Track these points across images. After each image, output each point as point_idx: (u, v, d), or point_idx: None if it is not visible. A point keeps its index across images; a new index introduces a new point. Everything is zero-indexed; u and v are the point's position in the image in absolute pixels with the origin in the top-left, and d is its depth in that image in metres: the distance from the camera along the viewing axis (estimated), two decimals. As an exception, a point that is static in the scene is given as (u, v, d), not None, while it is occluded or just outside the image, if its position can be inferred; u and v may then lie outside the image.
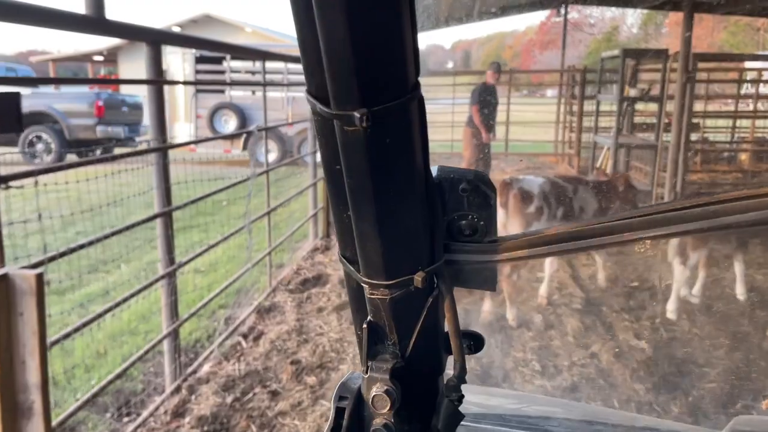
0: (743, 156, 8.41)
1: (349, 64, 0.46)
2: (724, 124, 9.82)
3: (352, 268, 0.62)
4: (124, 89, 15.01)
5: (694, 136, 7.04)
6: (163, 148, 2.95)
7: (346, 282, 0.66)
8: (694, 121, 6.74)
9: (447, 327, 0.64)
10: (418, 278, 0.58)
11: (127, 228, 2.82)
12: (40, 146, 12.51)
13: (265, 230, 6.39)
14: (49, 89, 14.64)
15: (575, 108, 11.38)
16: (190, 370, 3.40)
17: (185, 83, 13.01)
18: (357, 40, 0.45)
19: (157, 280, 3.02)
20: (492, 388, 3.02)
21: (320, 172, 6.16)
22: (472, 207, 0.62)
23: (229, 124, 12.76)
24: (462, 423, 0.69)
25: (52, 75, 19.14)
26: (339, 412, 0.66)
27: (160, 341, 3.12)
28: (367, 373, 0.62)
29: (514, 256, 0.61)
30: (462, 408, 0.66)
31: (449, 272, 0.62)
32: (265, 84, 5.13)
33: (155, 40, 2.94)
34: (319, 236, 6.17)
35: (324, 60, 0.47)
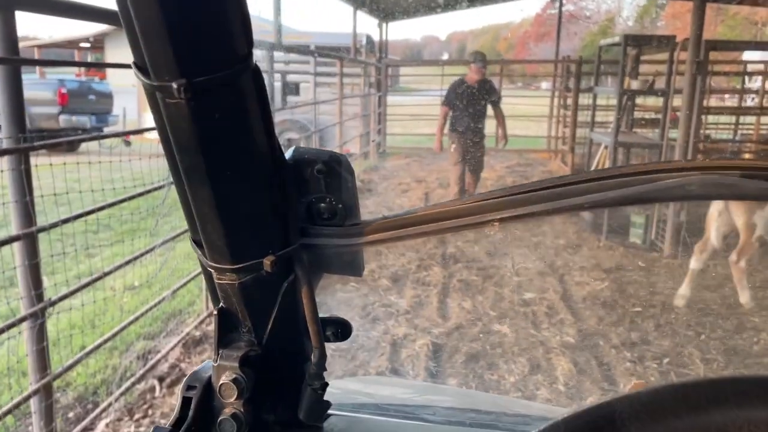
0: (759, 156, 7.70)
1: (161, 31, 0.44)
2: (738, 120, 9.15)
3: (199, 252, 0.59)
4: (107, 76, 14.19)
5: (704, 134, 6.35)
6: (21, 149, 2.20)
7: (201, 267, 0.62)
8: (705, 117, 6.03)
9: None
10: (267, 262, 0.56)
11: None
12: (-1, 136, 11.66)
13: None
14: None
15: (570, 101, 10.65)
16: (77, 430, 2.67)
17: None
18: (167, 5, 0.43)
19: (14, 325, 2.27)
20: (381, 377, 3.01)
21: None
22: (330, 189, 0.59)
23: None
24: (337, 413, 0.72)
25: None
26: (185, 401, 0.61)
27: (24, 401, 2.39)
28: (216, 361, 0.60)
29: (376, 239, 0.59)
30: (340, 398, 0.68)
31: (308, 256, 0.60)
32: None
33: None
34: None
35: (136, 26, 0.45)
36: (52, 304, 2.46)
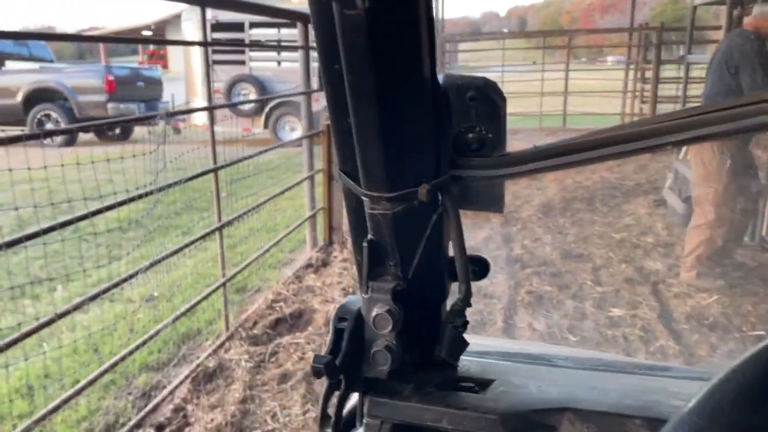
0: None
1: None
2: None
3: (352, 182, 0.59)
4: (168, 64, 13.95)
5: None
6: None
7: (345, 200, 0.64)
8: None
9: (452, 250, 0.61)
10: (422, 191, 0.55)
11: None
12: (49, 125, 11.51)
13: (252, 235, 5.09)
14: (59, 64, 13.69)
15: (649, 74, 9.51)
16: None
17: (239, 44, 11.70)
18: None
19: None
20: (490, 338, 2.80)
21: (317, 162, 4.74)
22: (481, 118, 0.58)
23: (248, 98, 11.43)
24: (468, 357, 0.71)
25: (101, 50, 18.57)
26: (338, 333, 0.63)
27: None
28: (367, 293, 0.61)
29: (524, 170, 0.57)
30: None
31: (455, 189, 0.60)
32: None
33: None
34: (318, 245, 4.77)
35: None
36: (44, 325, 1.87)
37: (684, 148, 5.05)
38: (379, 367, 0.62)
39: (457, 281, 0.63)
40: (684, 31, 6.55)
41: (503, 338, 3.17)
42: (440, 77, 0.57)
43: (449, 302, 0.65)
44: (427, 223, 0.59)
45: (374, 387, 0.66)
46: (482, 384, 0.70)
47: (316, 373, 0.61)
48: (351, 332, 0.63)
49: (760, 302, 3.71)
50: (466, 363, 0.73)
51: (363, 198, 0.58)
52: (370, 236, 0.60)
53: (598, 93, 11.92)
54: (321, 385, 2.87)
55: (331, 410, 0.65)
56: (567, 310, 3.69)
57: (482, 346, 0.88)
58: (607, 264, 4.46)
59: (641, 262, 4.49)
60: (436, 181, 0.57)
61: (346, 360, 0.62)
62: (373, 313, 0.60)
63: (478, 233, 5.25)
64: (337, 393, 0.64)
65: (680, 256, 4.30)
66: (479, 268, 0.66)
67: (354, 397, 0.70)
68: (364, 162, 0.56)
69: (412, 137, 0.55)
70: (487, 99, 0.57)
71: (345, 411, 0.67)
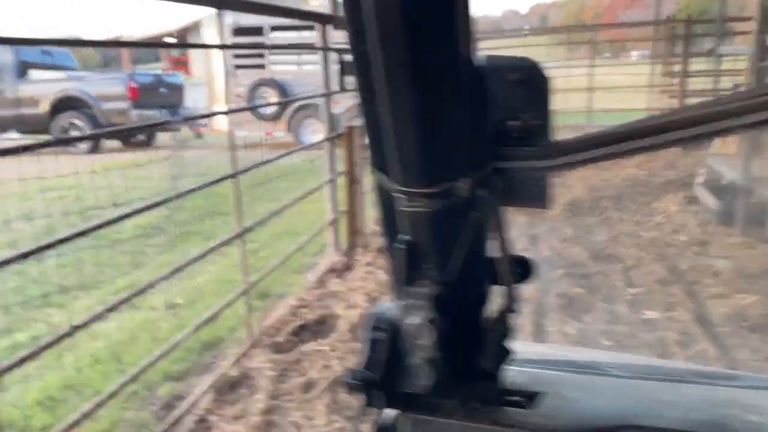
0: None
1: None
2: None
3: (386, 178, 0.55)
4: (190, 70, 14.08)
5: None
6: None
7: (377, 198, 0.59)
8: None
9: (492, 250, 0.57)
10: (463, 186, 0.51)
11: None
12: (74, 133, 11.65)
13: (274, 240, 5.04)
14: (83, 72, 13.84)
15: (677, 68, 9.28)
16: None
17: (258, 47, 11.78)
18: None
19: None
20: (533, 343, 2.59)
21: (339, 165, 4.66)
22: (525, 103, 0.52)
23: (269, 101, 11.44)
24: (512, 367, 0.64)
25: (125, 57, 18.84)
26: (375, 344, 0.58)
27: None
28: (404, 300, 0.56)
29: (575, 160, 0.52)
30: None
31: (497, 183, 0.54)
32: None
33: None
34: (341, 249, 4.70)
35: None
36: (63, 337, 1.82)
37: (717, 140, 4.87)
38: (421, 382, 0.57)
39: (499, 284, 0.58)
40: (711, 24, 6.35)
41: (547, 344, 3.02)
42: (479, 59, 0.52)
43: (489, 307, 0.61)
44: (466, 220, 0.54)
45: (415, 403, 0.61)
46: (529, 397, 0.65)
47: (353, 390, 0.57)
48: (387, 342, 0.58)
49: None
50: (510, 373, 0.67)
51: (397, 195, 0.54)
52: (405, 237, 0.56)
53: (623, 89, 11.68)
54: (347, 394, 2.79)
55: (365, 427, 0.61)
56: (600, 313, 3.56)
57: (525, 353, 0.80)
58: (638, 264, 4.31)
59: (674, 261, 4.34)
60: (478, 174, 0.52)
61: (384, 374, 0.57)
62: (413, 322, 0.55)
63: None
64: (371, 409, 0.60)
65: (715, 255, 4.13)
66: (521, 269, 0.60)
67: (389, 413, 0.64)
68: (399, 156, 0.51)
69: (451, 126, 0.50)
70: (532, 82, 0.52)
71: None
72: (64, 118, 11.66)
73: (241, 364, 3.05)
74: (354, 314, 3.49)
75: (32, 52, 12.14)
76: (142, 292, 2.61)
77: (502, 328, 0.59)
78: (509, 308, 0.58)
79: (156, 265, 4.84)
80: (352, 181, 4.67)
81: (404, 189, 0.52)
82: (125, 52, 18.45)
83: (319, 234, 4.62)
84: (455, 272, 0.56)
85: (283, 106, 11.40)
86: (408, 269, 0.56)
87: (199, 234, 5.62)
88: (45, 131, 11.62)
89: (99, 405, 2.30)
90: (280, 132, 11.67)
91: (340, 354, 3.08)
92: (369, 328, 0.60)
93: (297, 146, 10.17)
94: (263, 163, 3.56)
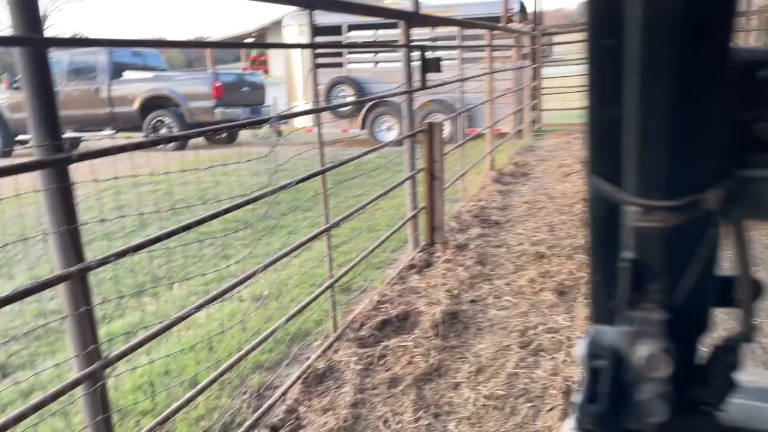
0: None
1: None
2: None
3: (611, 188, 0.49)
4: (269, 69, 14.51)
5: None
6: (52, 162, 1.65)
7: (591, 208, 0.54)
8: None
9: (726, 269, 0.51)
10: (711, 197, 0.46)
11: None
12: (163, 131, 12.25)
13: (355, 235, 5.11)
14: (171, 72, 14.50)
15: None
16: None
17: (342, 46, 12.04)
18: None
19: (72, 386, 1.76)
20: (753, 370, 2.20)
21: (418, 162, 4.68)
22: None
23: (346, 99, 11.60)
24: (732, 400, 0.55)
25: (208, 58, 19.61)
26: (597, 374, 0.52)
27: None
28: (629, 326, 0.50)
29: None
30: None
31: (742, 194, 0.49)
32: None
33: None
34: (420, 245, 4.72)
35: None
36: (168, 327, 1.94)
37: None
38: (650, 419, 0.52)
39: (728, 307, 0.53)
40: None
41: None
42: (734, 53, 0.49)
43: (713, 333, 0.56)
44: (702, 237, 0.49)
45: None
46: None
47: (584, 427, 0.52)
48: (611, 373, 0.53)
49: None
50: (733, 407, 0.60)
51: (631, 208, 0.48)
52: (631, 255, 0.50)
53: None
54: (432, 390, 2.81)
55: None
56: None
57: (751, 382, 0.73)
58: None
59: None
60: (726, 184, 0.47)
61: (608, 408, 0.53)
62: (642, 352, 0.50)
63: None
64: None
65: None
66: (753, 290, 0.55)
67: None
68: (640, 162, 0.46)
69: (702, 130, 0.45)
70: None
71: None
72: (154, 116, 12.27)
73: (327, 356, 3.13)
74: (436, 311, 3.50)
75: (125, 53, 12.84)
76: (239, 284, 2.72)
77: (731, 357, 0.53)
78: (744, 335, 0.52)
79: (242, 257, 5.03)
80: (432, 177, 4.67)
81: (639, 201, 0.48)
82: (208, 53, 19.13)
83: (398, 230, 4.65)
84: (685, 294, 0.51)
85: (359, 103, 11.54)
86: (632, 291, 0.51)
87: (283, 228, 5.78)
88: (136, 128, 12.28)
89: (198, 393, 2.42)
90: (355, 129, 11.82)
91: (423, 350, 3.10)
92: (588, 356, 0.54)
93: (374, 143, 10.28)
94: (350, 159, 3.62)
